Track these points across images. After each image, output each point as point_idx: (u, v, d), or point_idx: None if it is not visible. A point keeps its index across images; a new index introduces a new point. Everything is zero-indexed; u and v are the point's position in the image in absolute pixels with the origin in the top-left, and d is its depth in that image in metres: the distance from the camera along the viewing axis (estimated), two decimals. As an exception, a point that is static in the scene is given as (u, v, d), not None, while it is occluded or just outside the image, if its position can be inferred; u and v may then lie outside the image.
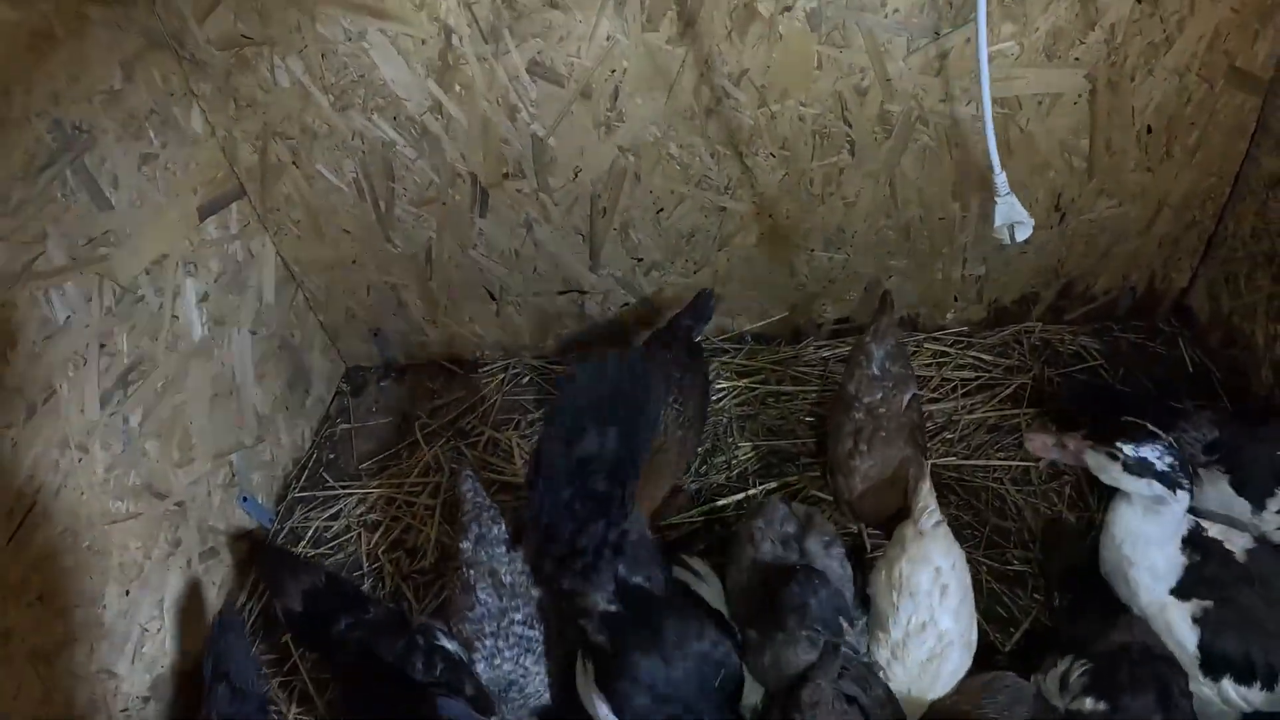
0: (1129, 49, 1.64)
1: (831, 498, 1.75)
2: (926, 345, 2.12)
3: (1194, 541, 1.34)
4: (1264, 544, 1.40)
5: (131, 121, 1.62)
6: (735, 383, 2.10)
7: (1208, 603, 1.32)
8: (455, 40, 1.66)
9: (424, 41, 1.67)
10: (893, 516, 1.51)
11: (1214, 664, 1.31)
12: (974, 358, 2.09)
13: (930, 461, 1.65)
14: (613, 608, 1.35)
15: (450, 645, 1.47)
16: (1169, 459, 1.28)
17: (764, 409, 2.04)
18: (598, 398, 1.34)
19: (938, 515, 1.43)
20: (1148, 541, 1.34)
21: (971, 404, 1.97)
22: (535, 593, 1.48)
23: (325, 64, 1.72)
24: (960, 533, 1.58)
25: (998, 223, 1.48)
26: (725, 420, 2.02)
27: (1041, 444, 1.39)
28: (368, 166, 1.87)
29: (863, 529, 1.68)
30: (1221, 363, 1.96)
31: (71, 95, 1.48)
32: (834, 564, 1.48)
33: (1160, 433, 1.31)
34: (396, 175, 1.87)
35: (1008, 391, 1.99)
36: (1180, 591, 1.33)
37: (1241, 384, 1.88)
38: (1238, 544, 1.38)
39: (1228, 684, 1.31)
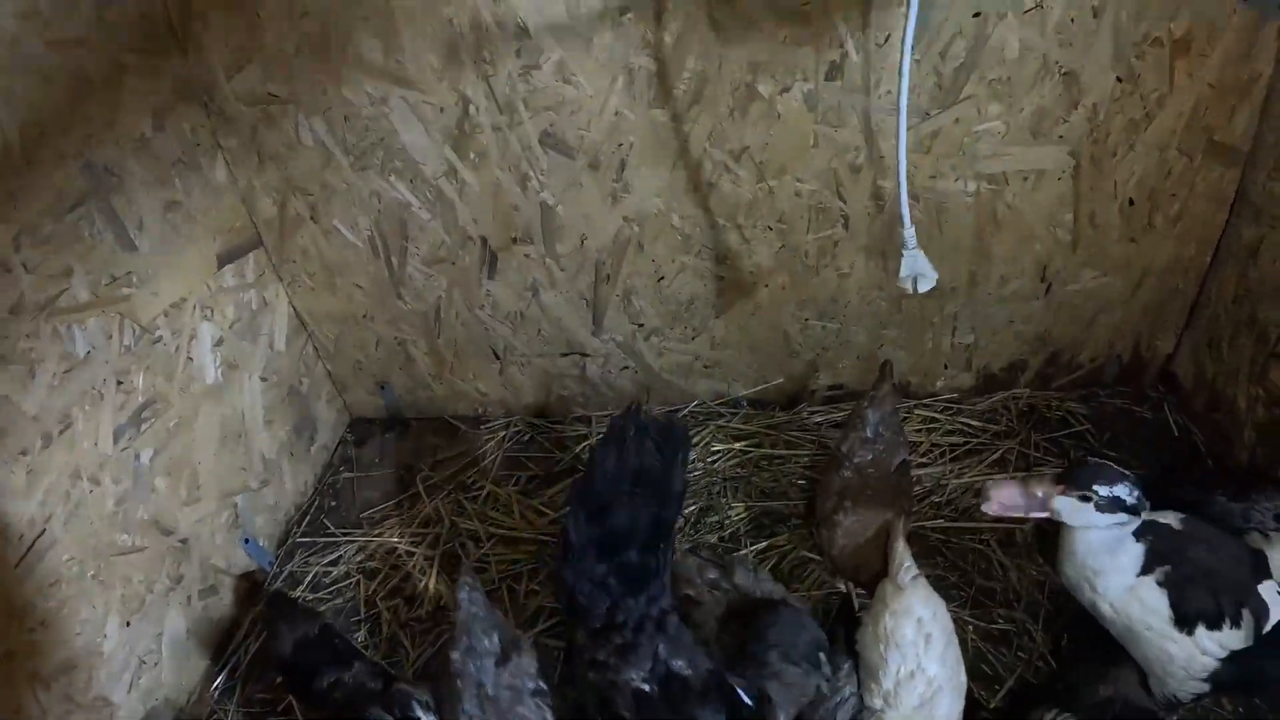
0: (1111, 126, 1.72)
1: (819, 555, 1.78)
2: (917, 411, 2.17)
3: (1141, 534, 1.40)
4: (1191, 515, 1.47)
5: (159, 168, 1.69)
6: (730, 446, 2.15)
7: (1166, 567, 1.38)
8: (472, 110, 1.74)
9: (443, 110, 1.75)
10: (876, 574, 1.54)
11: (1187, 617, 1.37)
12: (963, 423, 2.13)
13: (913, 522, 1.71)
14: (646, 687, 1.33)
15: (425, 718, 1.49)
16: (1136, 492, 1.34)
17: (757, 471, 2.09)
18: (622, 472, 1.38)
19: (914, 570, 1.47)
20: (1110, 550, 1.39)
21: (960, 468, 2.01)
22: (521, 709, 1.43)
23: (347, 126, 1.80)
24: (947, 593, 1.61)
25: (903, 274, 1.54)
26: (719, 482, 2.07)
27: (1009, 497, 1.40)
28: (383, 225, 1.94)
29: (850, 587, 1.71)
30: (1205, 426, 2.01)
31: (104, 139, 1.55)
32: (768, 584, 1.57)
33: (1125, 470, 1.36)
34: (410, 235, 1.95)
35: (995, 456, 2.03)
36: (1144, 570, 1.39)
37: (1224, 447, 1.93)
38: (1172, 519, 1.44)
39: (1202, 633, 1.37)
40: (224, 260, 1.90)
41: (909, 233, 1.48)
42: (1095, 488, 1.33)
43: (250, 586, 1.96)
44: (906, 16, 1.31)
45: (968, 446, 2.08)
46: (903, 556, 1.49)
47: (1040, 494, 1.37)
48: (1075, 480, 1.35)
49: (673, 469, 1.45)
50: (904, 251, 1.51)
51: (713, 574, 1.60)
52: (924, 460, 2.04)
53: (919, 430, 2.12)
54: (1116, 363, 2.14)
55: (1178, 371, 2.11)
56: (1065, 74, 1.65)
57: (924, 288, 1.56)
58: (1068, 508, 1.36)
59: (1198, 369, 2.04)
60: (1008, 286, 1.97)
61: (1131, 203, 1.83)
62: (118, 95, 1.58)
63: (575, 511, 1.42)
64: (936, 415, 2.17)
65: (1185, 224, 1.87)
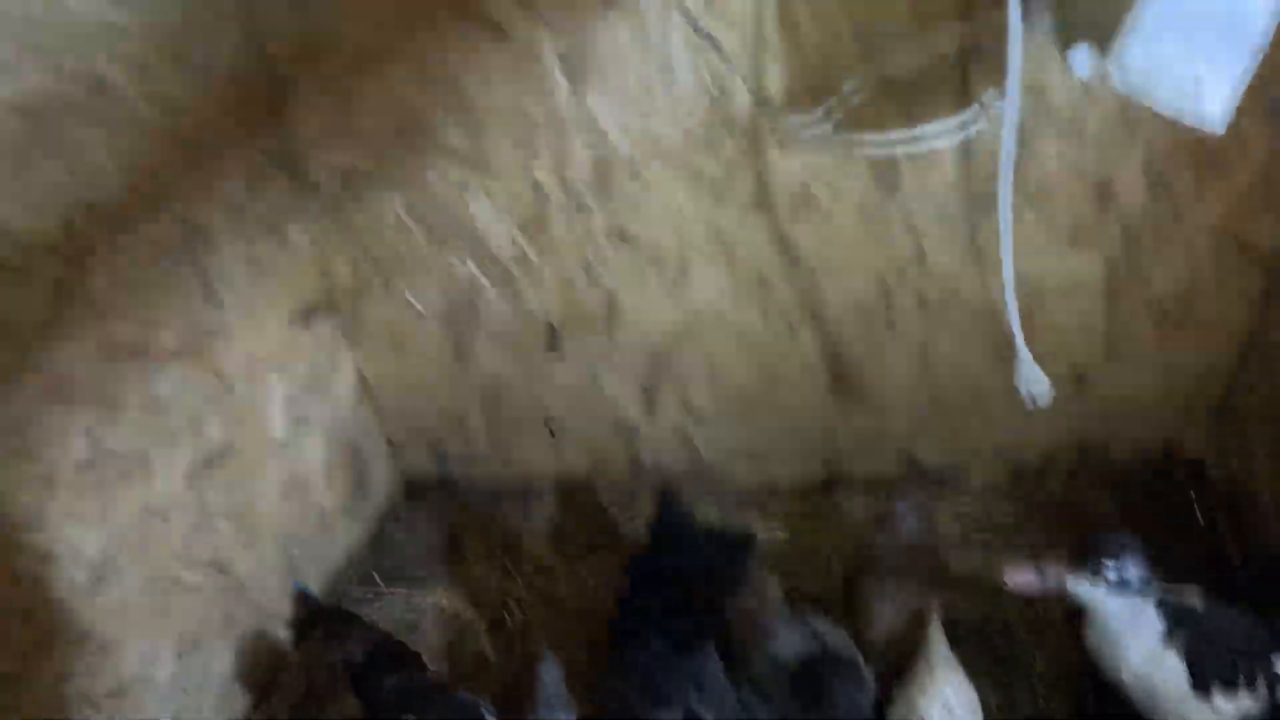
0: (1143, 233, 1.78)
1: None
2: (950, 502, 2.20)
3: (1163, 604, 1.45)
4: (1209, 597, 1.53)
5: (246, 229, 1.79)
6: (769, 530, 2.19)
7: (1185, 635, 1.44)
8: (545, 199, 1.84)
9: (518, 197, 1.85)
10: (909, 658, 1.59)
11: (1204, 679, 1.42)
12: (994, 515, 2.16)
13: (945, 609, 1.72)
14: None
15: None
16: (1142, 571, 1.41)
17: (794, 556, 2.12)
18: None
19: (946, 652, 1.53)
20: (1131, 620, 1.45)
21: (990, 558, 2.02)
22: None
23: (426, 205, 1.90)
24: (976, 677, 1.63)
25: (1019, 381, 1.59)
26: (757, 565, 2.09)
27: (1024, 579, 1.47)
28: (452, 300, 2.04)
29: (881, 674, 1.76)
30: (1232, 522, 2.01)
31: (200, 198, 1.65)
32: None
33: (1133, 546, 1.43)
34: (479, 310, 2.04)
35: (1024, 547, 2.04)
36: (1163, 638, 1.44)
37: (1251, 541, 1.94)
38: (1194, 599, 1.50)
39: (1218, 696, 1.41)
40: (299, 320, 2.00)
41: (1023, 348, 1.56)
42: (1105, 567, 1.40)
43: (308, 609, 1.97)
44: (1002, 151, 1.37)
45: (1000, 539, 2.10)
46: (935, 640, 1.54)
47: (1055, 573, 1.45)
48: (1087, 559, 1.43)
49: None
50: (1019, 363, 1.59)
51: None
52: (956, 549, 2.06)
53: (952, 521, 2.15)
54: (1145, 457, 2.16)
55: (1206, 466, 2.13)
56: (1100, 185, 1.71)
57: (1041, 401, 1.61)
58: (1081, 586, 1.43)
59: (1225, 465, 2.05)
60: (1041, 385, 2.00)
61: (1163, 306, 1.88)
62: (216, 157, 1.68)
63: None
64: (968, 507, 2.19)
65: (1217, 327, 1.91)
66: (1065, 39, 1.15)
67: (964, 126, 1.49)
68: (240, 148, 1.75)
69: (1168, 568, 1.46)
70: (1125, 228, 1.77)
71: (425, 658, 1.80)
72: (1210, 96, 1.05)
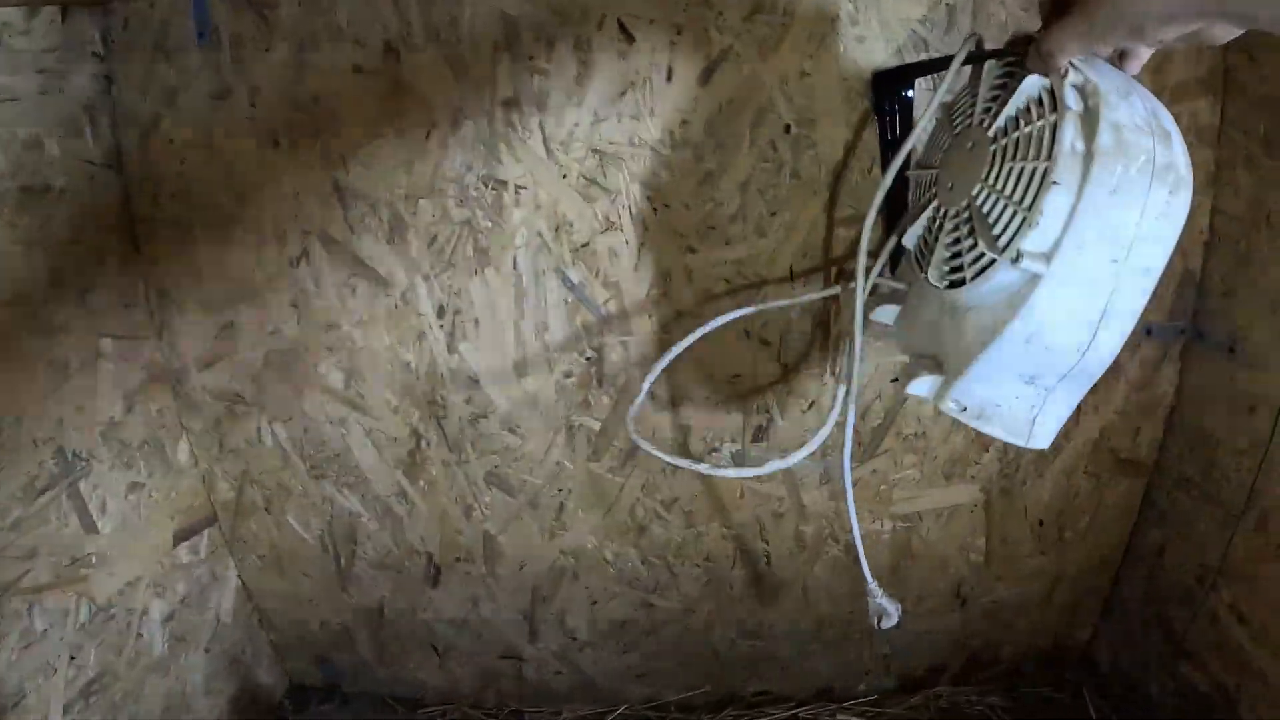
0: (1020, 461, 1.83)
1: None
2: (839, 715, 2.18)
3: None
4: None
5: (125, 451, 1.76)
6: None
7: None
8: (424, 444, 1.84)
9: (396, 439, 1.85)
10: None
11: None
12: None
13: None
14: None
15: None
16: None
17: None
18: None
19: None
20: None
21: None
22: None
23: (306, 437, 1.89)
24: None
25: (871, 611, 1.60)
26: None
27: None
28: (333, 528, 2.01)
29: None
30: (1123, 713, 2.03)
31: (76, 423, 1.62)
32: None
33: None
34: (358, 540, 2.02)
35: None
36: None
37: None
38: None
39: None
40: (179, 538, 1.95)
41: (873, 584, 1.53)
42: None
43: None
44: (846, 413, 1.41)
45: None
46: None
47: None
48: None
49: None
50: (870, 597, 1.55)
51: None
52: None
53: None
54: (1035, 655, 2.18)
55: (1096, 657, 2.16)
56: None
57: (887, 625, 1.61)
58: None
59: (1113, 658, 2.08)
60: (924, 605, 2.04)
61: (1041, 523, 1.93)
62: (92, 379, 1.66)
63: None
64: (858, 718, 2.18)
65: (1094, 534, 1.96)
66: (909, 367, 1.18)
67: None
68: (120, 364, 1.74)
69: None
70: (1003, 460, 1.83)
71: None
72: (1041, 431, 1.10)
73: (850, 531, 1.46)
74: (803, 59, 1.56)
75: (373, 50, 1.60)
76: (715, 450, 1.78)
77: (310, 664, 2.37)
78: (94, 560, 1.69)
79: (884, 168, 1.52)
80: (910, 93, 1.50)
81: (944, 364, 1.12)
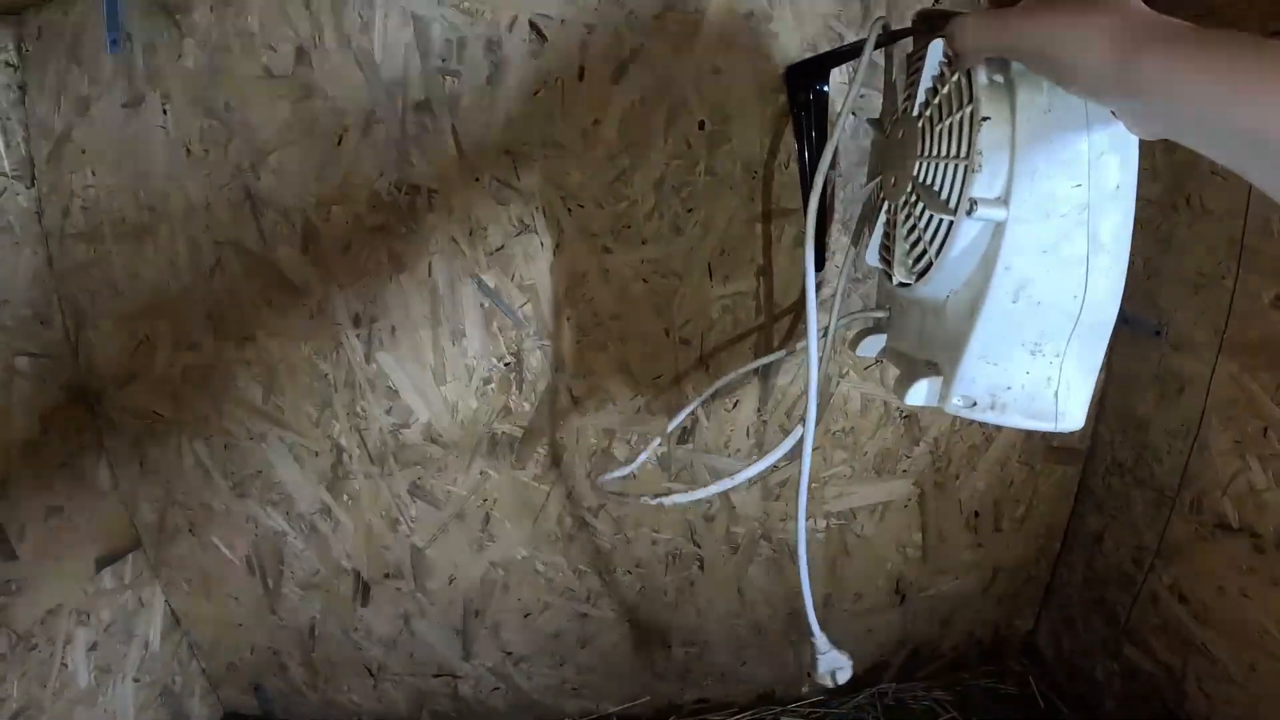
0: (952, 454, 1.83)
1: None
2: (783, 718, 2.17)
3: None
4: None
5: (43, 472, 1.71)
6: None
7: None
8: (345, 457, 1.80)
9: (317, 453, 1.81)
10: None
11: None
12: None
13: None
14: None
15: None
16: None
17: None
18: None
19: None
20: None
21: None
22: None
23: (227, 454, 1.85)
24: None
25: (821, 671, 1.56)
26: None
27: None
28: (259, 548, 1.97)
29: None
30: (1069, 699, 2.03)
31: None
32: None
33: None
34: (285, 560, 1.97)
35: None
36: None
37: (1090, 715, 1.95)
38: None
39: None
40: (102, 564, 1.90)
41: (821, 640, 1.49)
42: None
43: None
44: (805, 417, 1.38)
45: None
46: None
47: None
48: None
49: None
50: (818, 656, 1.50)
51: None
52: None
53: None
54: (977, 647, 2.18)
55: (1039, 645, 2.17)
56: (906, 417, 1.76)
57: (843, 679, 1.58)
58: None
59: (1056, 644, 2.09)
60: (862, 603, 2.03)
61: (977, 514, 1.93)
62: (7, 400, 1.62)
63: None
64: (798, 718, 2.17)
65: (1031, 522, 1.97)
66: (903, 377, 1.13)
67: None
68: (35, 383, 1.70)
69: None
70: (934, 454, 1.83)
71: None
72: (1070, 406, 0.97)
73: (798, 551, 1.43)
74: (715, 55, 1.54)
75: (284, 55, 1.57)
76: (640, 453, 1.75)
77: (243, 692, 2.31)
78: (14, 588, 1.64)
79: (801, 162, 1.51)
80: (826, 86, 1.48)
81: (940, 364, 1.03)
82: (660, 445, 1.76)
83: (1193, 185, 1.57)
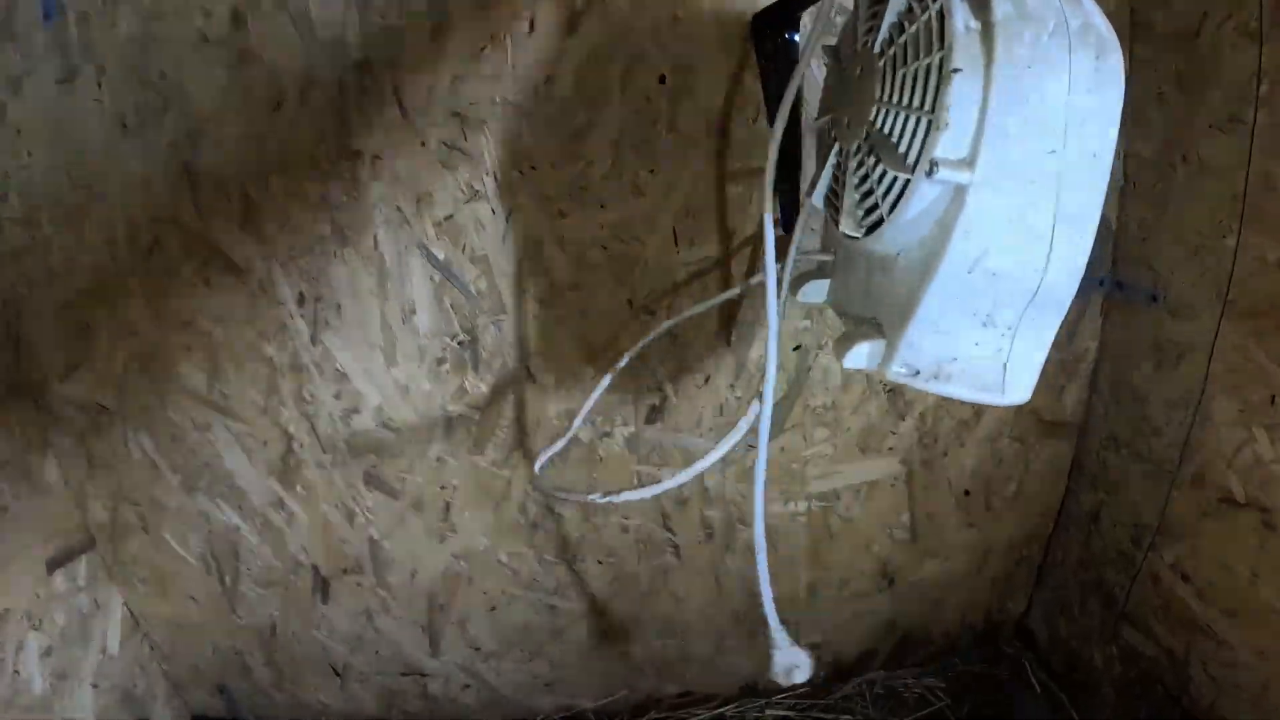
0: (939, 430, 1.74)
1: None
2: (769, 711, 2.09)
3: None
4: None
5: None
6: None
7: None
8: (296, 446, 1.71)
9: (266, 442, 1.72)
10: None
11: None
12: (817, 718, 2.06)
13: None
14: None
15: None
16: None
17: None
18: None
19: None
20: None
21: None
22: None
23: (175, 446, 1.76)
24: None
25: (776, 669, 1.48)
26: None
27: None
28: (213, 545, 1.88)
29: None
30: (1066, 683, 1.97)
31: None
32: None
33: None
34: (241, 556, 1.88)
35: None
36: None
37: (1087, 703, 1.89)
38: None
39: None
40: (54, 565, 1.81)
41: (779, 635, 1.41)
42: None
43: None
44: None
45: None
46: None
47: None
48: None
49: None
50: (774, 651, 1.41)
51: None
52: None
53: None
54: (969, 632, 2.11)
55: (1033, 628, 2.10)
56: (890, 391, 1.67)
57: (800, 678, 1.49)
58: None
59: (1052, 628, 2.03)
60: (849, 588, 1.96)
61: (967, 493, 1.85)
62: None
63: None
64: (788, 712, 2.09)
65: (1024, 501, 1.89)
66: (844, 337, 1.03)
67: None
68: None
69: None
70: (920, 430, 1.74)
71: None
72: (1016, 379, 0.92)
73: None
74: (676, 3, 1.44)
75: (220, 19, 1.47)
76: (607, 435, 1.66)
77: (209, 694, 2.22)
78: (-42, 593, 1.53)
79: (770, 118, 1.40)
80: (795, 35, 1.38)
81: (883, 326, 0.95)
82: (627, 427, 1.66)
83: (1189, 140, 1.46)
